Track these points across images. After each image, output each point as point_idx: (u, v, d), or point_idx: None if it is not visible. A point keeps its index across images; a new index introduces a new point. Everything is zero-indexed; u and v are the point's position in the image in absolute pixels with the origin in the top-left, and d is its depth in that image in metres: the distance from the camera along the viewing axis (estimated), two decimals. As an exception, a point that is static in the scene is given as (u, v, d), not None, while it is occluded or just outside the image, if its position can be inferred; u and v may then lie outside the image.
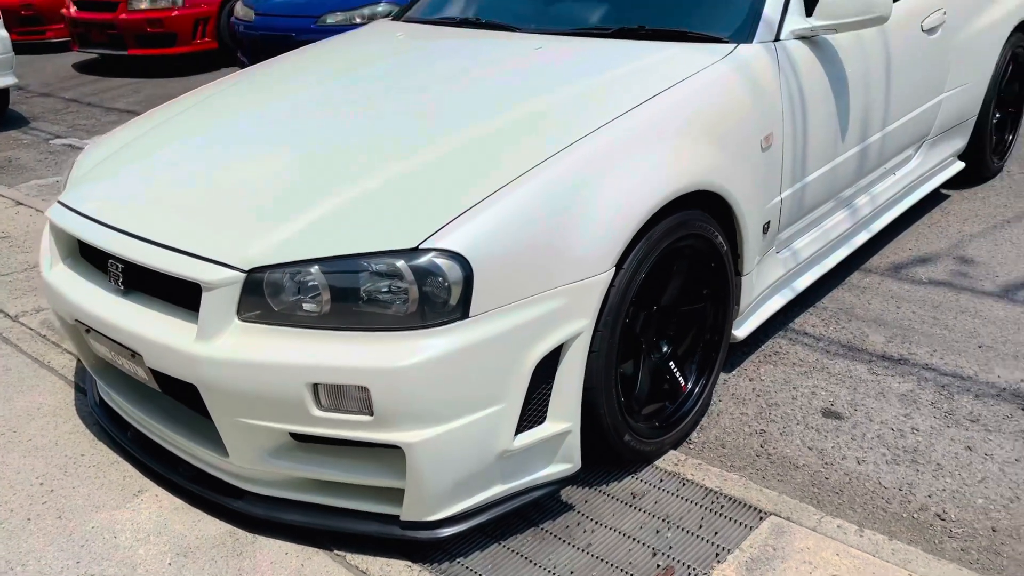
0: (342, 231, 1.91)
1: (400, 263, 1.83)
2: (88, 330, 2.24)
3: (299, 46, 6.85)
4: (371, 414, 1.85)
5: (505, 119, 2.23)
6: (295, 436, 2.03)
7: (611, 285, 2.05)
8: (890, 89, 3.20)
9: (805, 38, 2.75)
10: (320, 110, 2.52)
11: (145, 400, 2.36)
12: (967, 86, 3.83)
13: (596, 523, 2.17)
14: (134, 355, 2.09)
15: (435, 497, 1.94)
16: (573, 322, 1.99)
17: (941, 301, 3.24)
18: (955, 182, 4.31)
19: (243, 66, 7.65)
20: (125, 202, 2.24)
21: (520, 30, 2.95)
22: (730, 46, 2.58)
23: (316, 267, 1.87)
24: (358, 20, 6.76)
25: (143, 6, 8.40)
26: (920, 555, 2.01)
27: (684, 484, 2.30)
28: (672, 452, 2.42)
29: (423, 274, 1.82)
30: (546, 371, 2.00)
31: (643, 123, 2.21)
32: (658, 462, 2.38)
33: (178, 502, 2.27)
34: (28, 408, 2.73)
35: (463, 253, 1.84)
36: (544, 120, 2.21)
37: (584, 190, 2.02)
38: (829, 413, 2.60)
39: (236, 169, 2.25)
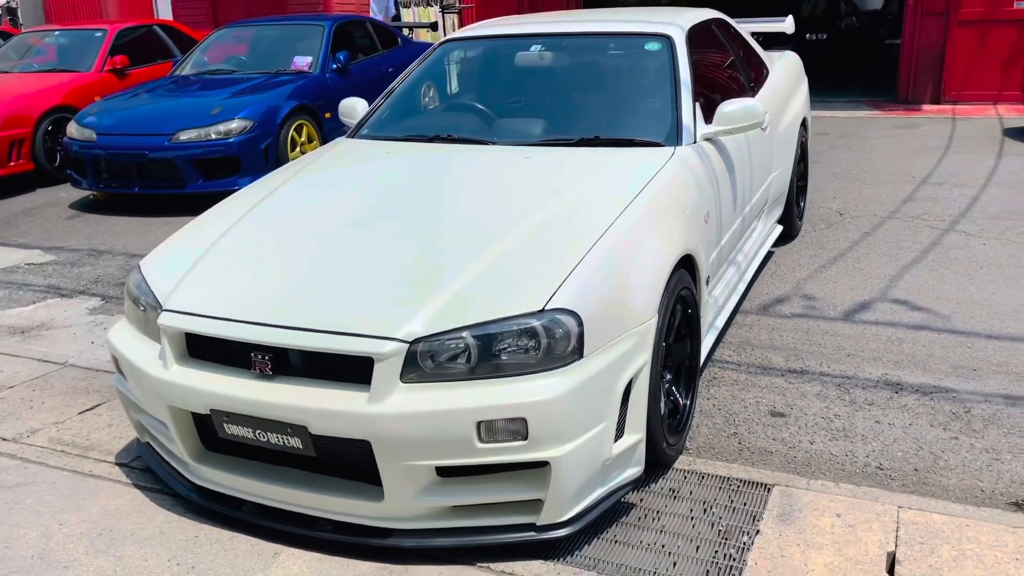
0: (479, 301, 2.48)
1: (534, 321, 2.43)
2: (228, 416, 2.57)
3: (152, 164, 7.17)
4: (525, 439, 2.41)
5: (552, 208, 2.92)
6: (439, 473, 2.51)
7: (655, 327, 2.77)
8: (752, 173, 4.25)
9: (710, 139, 3.69)
10: (395, 204, 3.08)
11: (267, 475, 2.69)
12: (783, 168, 5.03)
13: (658, 512, 2.82)
14: (292, 427, 2.48)
15: (567, 501, 2.51)
16: (641, 356, 2.68)
17: (808, 328, 4.28)
18: (775, 241, 5.50)
19: (78, 185, 7.58)
20: (254, 297, 2.64)
21: (495, 143, 3.65)
22: (669, 148, 3.45)
23: (466, 332, 2.43)
24: (213, 136, 7.06)
25: (-51, 131, 8.04)
26: (881, 492, 2.86)
27: (703, 477, 3.01)
28: (681, 457, 3.13)
29: (550, 328, 2.44)
30: (624, 395, 2.65)
31: (652, 204, 2.99)
32: (675, 465, 3.08)
33: (316, 555, 2.62)
34: (107, 510, 2.90)
35: (575, 310, 2.48)
36: (581, 206, 2.93)
37: (631, 257, 2.75)
38: (775, 414, 3.45)
39: (347, 256, 2.74)
